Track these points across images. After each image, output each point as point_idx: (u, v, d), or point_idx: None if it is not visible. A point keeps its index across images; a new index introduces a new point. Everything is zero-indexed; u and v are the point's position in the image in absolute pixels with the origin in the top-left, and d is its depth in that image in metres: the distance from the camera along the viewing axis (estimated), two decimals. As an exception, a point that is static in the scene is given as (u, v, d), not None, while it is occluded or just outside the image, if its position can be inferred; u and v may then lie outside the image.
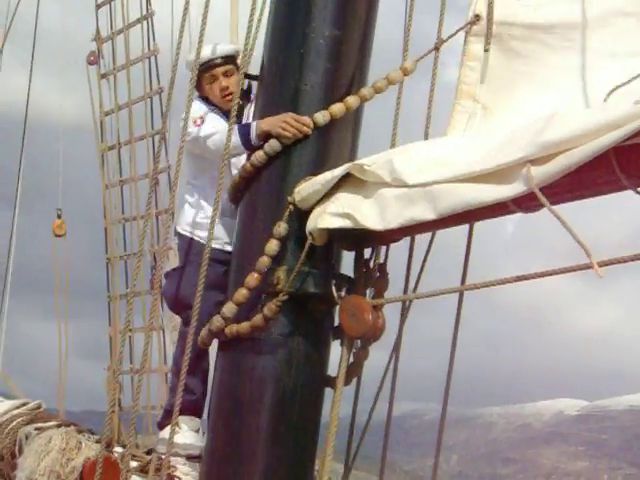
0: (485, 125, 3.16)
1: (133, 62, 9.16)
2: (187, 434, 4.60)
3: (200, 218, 4.63)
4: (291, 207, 3.20)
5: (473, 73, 3.27)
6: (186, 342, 3.29)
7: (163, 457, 3.47)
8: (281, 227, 3.19)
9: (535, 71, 3.08)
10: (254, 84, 4.02)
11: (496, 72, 3.22)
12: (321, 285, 3.17)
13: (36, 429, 4.41)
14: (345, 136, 3.43)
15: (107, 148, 9.34)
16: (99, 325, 9.48)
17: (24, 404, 4.87)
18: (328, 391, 3.27)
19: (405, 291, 3.39)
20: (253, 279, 3.19)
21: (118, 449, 4.28)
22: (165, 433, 4.51)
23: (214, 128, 4.31)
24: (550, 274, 2.40)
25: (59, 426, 4.39)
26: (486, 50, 3.21)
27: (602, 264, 2.25)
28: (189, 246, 4.66)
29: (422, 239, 3.37)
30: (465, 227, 3.34)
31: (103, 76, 9.44)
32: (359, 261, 3.22)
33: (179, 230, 4.79)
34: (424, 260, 3.41)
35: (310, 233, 3.10)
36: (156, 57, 9.10)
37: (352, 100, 3.34)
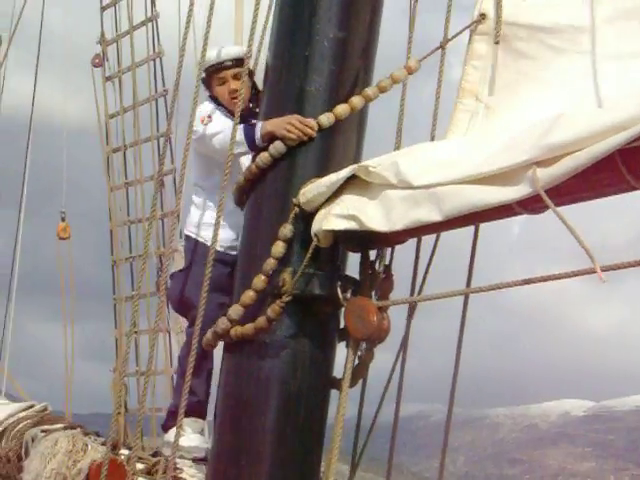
0: (487, 125, 3.14)
1: (138, 64, 9.15)
2: (192, 437, 4.61)
3: (206, 219, 4.63)
4: (296, 209, 3.19)
5: (476, 72, 3.25)
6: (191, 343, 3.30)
7: (169, 460, 3.47)
8: (286, 229, 3.18)
9: (539, 72, 3.07)
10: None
11: (500, 72, 3.21)
12: (326, 287, 3.16)
13: (42, 431, 4.43)
14: (350, 138, 3.43)
15: (112, 150, 9.36)
16: (105, 327, 9.50)
17: (30, 407, 4.88)
18: (334, 393, 3.26)
19: (412, 293, 3.39)
20: (260, 281, 3.18)
21: (124, 451, 4.28)
22: (170, 436, 4.52)
23: (221, 127, 4.33)
24: (554, 278, 2.39)
25: (65, 428, 4.41)
26: (496, 42, 3.17)
27: (605, 269, 2.25)
28: (194, 247, 4.67)
29: (427, 241, 3.36)
30: (470, 228, 3.33)
31: (108, 79, 9.45)
32: (364, 263, 3.22)
33: (185, 232, 4.80)
34: (429, 262, 3.41)
35: (315, 235, 3.10)
36: (161, 59, 9.09)
37: (356, 100, 3.33)
